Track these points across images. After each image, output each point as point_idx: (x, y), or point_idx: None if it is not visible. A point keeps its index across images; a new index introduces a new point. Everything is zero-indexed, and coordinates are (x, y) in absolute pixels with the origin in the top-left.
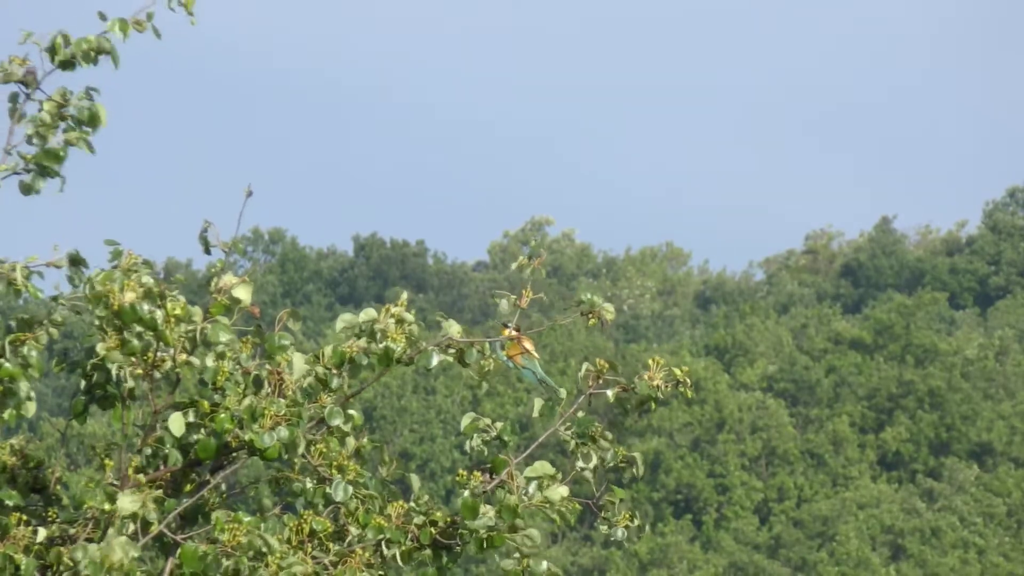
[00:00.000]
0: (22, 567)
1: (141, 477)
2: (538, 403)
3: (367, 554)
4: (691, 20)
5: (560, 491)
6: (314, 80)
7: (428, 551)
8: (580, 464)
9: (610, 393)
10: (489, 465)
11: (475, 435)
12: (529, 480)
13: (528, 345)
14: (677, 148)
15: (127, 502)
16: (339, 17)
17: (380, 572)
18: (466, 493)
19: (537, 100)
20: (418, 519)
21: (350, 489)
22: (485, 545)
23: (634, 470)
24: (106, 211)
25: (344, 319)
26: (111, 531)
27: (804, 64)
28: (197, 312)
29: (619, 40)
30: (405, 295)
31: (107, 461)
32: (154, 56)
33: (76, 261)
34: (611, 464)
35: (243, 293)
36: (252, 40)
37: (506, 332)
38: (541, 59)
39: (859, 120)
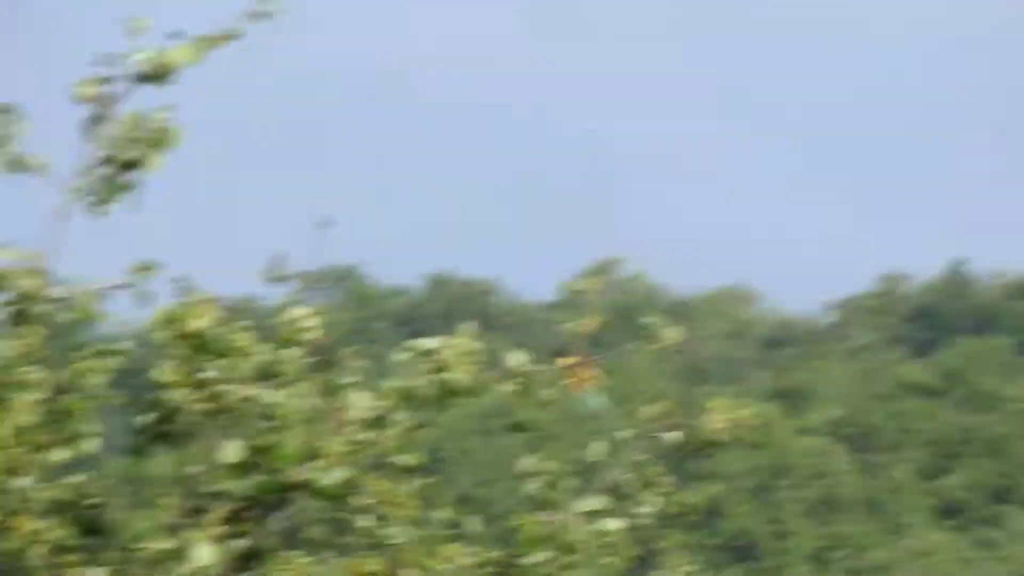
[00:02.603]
0: None
1: (210, 516)
2: (600, 445)
3: None
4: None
5: (615, 522)
6: (390, 109)
7: None
8: (641, 507)
9: (673, 436)
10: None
11: (536, 478)
12: (585, 515)
13: (593, 374)
14: (750, 187)
15: (204, 552)
16: (409, 49)
17: None
18: (523, 531)
19: (612, 139)
20: (474, 559)
21: (412, 531)
22: None
23: (692, 514)
24: (172, 238)
25: (408, 346)
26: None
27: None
28: (264, 347)
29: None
30: (471, 325)
31: (167, 499)
32: (227, 78)
33: (147, 269)
34: (670, 509)
35: (314, 326)
36: (325, 62)
37: (568, 360)
38: (625, 99)
39: (932, 161)
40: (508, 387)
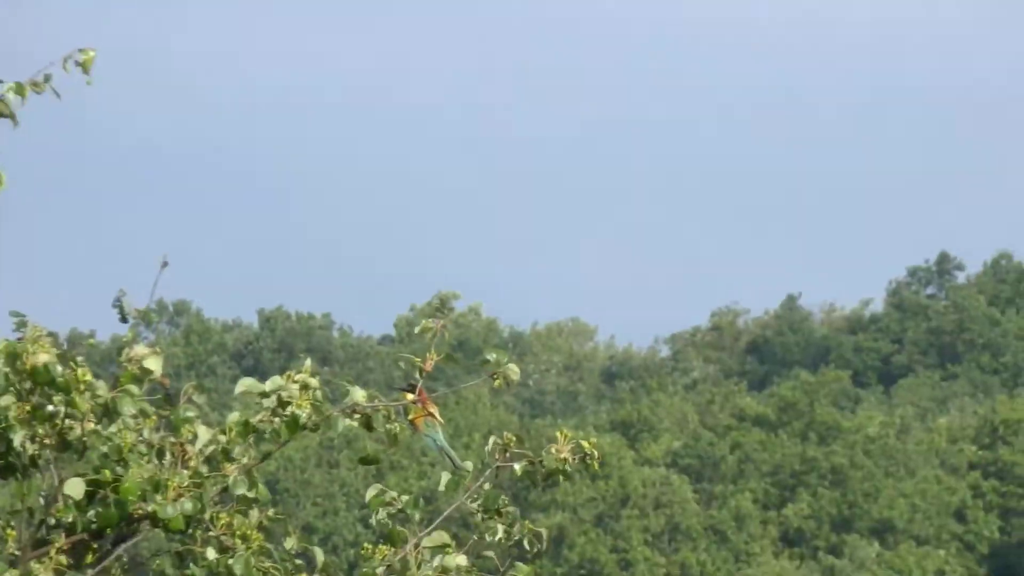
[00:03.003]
0: None
1: (51, 545)
2: (444, 476)
3: None
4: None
5: (458, 560)
6: (217, 151)
7: None
8: (487, 538)
9: (517, 467)
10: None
11: (380, 508)
12: (429, 551)
13: (432, 409)
14: (585, 223)
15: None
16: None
17: None
18: (366, 567)
19: (441, 174)
20: None
21: (251, 561)
22: None
23: (537, 545)
24: (5, 280)
25: (244, 383)
26: None
27: (718, 135)
28: (102, 385)
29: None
30: (309, 362)
31: (9, 532)
32: (52, 119)
33: None
34: (516, 538)
35: (154, 364)
36: (152, 106)
37: (408, 396)
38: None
39: (765, 196)
40: (349, 422)
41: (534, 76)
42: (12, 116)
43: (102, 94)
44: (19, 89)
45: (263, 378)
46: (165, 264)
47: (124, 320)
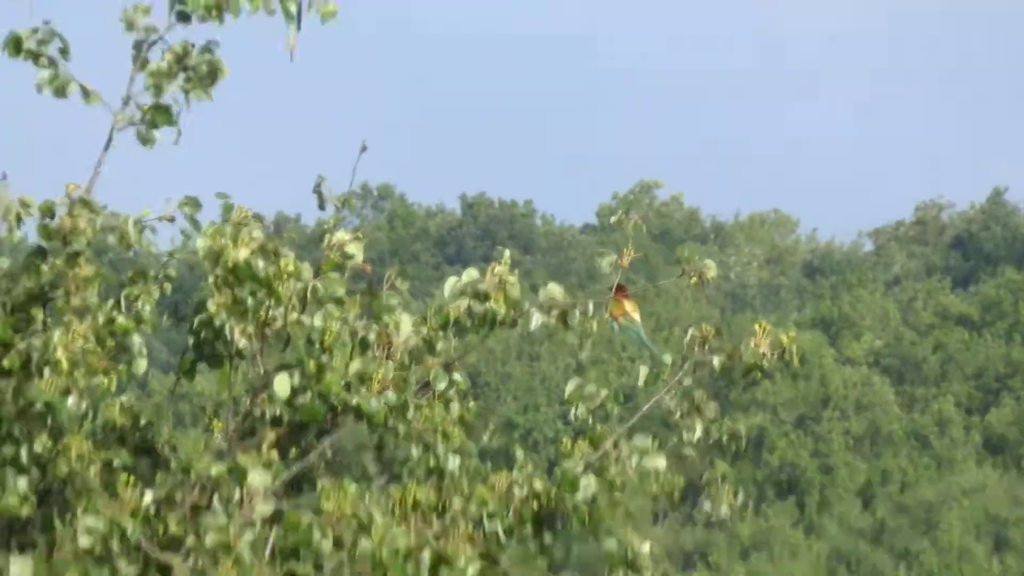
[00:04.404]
0: (129, 532)
1: (257, 437)
2: (643, 371)
3: (470, 528)
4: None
5: (659, 461)
6: (429, 33)
7: (529, 527)
8: (685, 435)
9: (716, 360)
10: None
11: (580, 404)
12: (629, 450)
13: (630, 306)
14: (788, 115)
15: (257, 477)
16: None
17: (482, 548)
18: (566, 464)
19: (651, 62)
20: (520, 492)
21: (458, 459)
22: (587, 522)
23: (737, 445)
24: (217, 163)
25: (451, 284)
26: (216, 500)
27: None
28: (307, 269)
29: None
30: (508, 254)
31: (215, 422)
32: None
33: (194, 204)
34: (715, 437)
35: (356, 250)
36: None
37: (610, 290)
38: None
39: (971, 87)
40: (547, 318)
41: None
42: (233, 6)
43: None
44: None
45: (465, 266)
46: (364, 148)
47: (322, 207)
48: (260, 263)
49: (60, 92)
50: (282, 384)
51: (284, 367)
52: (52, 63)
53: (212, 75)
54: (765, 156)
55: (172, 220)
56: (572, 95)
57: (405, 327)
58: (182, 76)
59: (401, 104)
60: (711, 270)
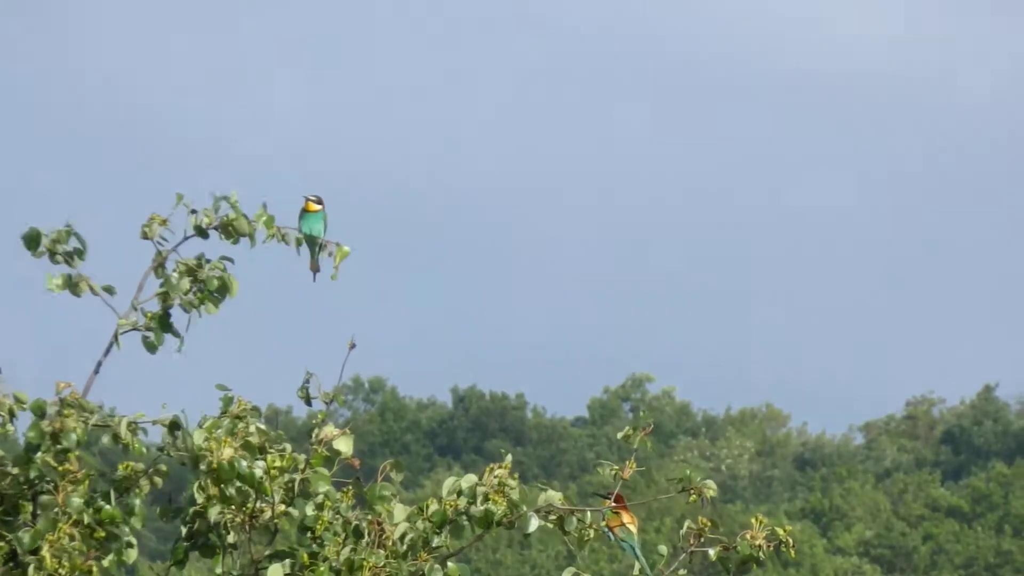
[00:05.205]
0: None
1: None
2: (637, 565)
3: None
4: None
5: None
6: (446, 225)
7: None
8: None
9: (712, 552)
10: None
11: None
12: None
13: (627, 518)
14: (784, 314)
15: None
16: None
17: None
18: None
19: (629, 263)
20: None
21: None
22: None
23: None
24: (212, 354)
25: (449, 484)
26: None
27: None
28: (301, 460)
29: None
30: (510, 457)
31: None
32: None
33: (175, 426)
34: None
35: (344, 445)
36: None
37: (607, 503)
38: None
39: (965, 284)
40: (545, 522)
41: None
42: (252, 238)
43: None
44: (268, 223)
45: (456, 458)
46: (353, 346)
47: (309, 404)
48: (244, 463)
49: (73, 291)
50: (275, 573)
51: (276, 556)
52: (69, 259)
53: (222, 291)
54: (759, 358)
55: (165, 425)
56: None
57: (399, 516)
58: (192, 288)
59: (390, 299)
60: (711, 490)
